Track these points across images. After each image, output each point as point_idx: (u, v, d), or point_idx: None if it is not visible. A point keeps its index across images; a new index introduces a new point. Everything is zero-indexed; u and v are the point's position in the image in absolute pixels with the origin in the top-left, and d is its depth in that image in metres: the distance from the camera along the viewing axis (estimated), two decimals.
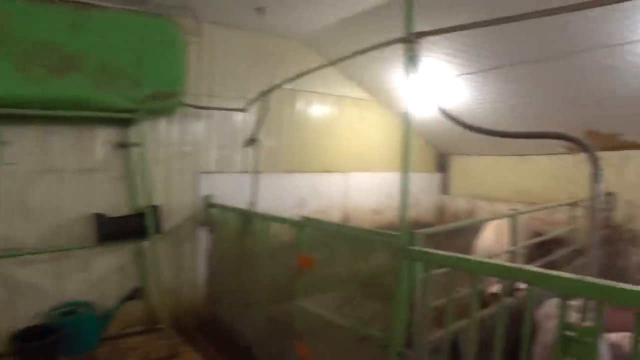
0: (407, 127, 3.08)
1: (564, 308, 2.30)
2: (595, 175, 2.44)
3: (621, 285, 2.07)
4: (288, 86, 6.71)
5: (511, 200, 8.27)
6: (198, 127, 6.26)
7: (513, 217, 4.35)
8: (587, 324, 2.32)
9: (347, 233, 3.82)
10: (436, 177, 9.31)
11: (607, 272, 7.07)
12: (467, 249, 6.91)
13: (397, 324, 3.17)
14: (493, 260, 2.59)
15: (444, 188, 9.36)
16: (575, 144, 2.65)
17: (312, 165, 7.59)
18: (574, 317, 2.45)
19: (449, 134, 8.31)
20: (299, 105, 7.44)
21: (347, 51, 4.01)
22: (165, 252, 5.87)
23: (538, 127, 7.05)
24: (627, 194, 6.88)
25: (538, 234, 6.73)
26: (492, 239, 6.26)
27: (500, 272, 2.55)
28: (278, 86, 5.41)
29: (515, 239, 4.42)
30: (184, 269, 6.17)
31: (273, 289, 4.73)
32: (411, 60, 3.07)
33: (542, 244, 6.48)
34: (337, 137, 7.82)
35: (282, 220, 4.56)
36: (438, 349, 3.34)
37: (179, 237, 6.06)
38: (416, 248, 3.01)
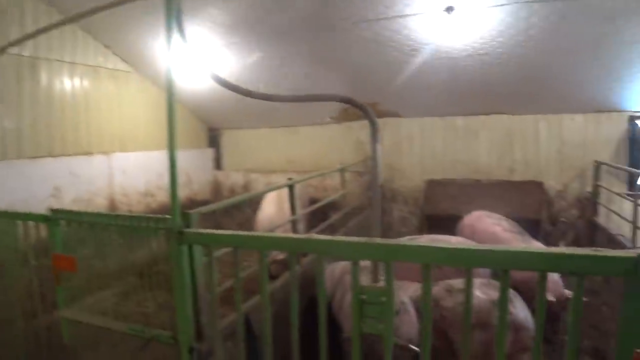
0: (171, 99, 2.60)
1: (355, 272, 2.17)
2: (374, 135, 2.35)
3: (404, 242, 2.03)
4: (25, 53, 5.49)
5: (285, 170, 8.40)
6: None
7: (290, 186, 4.25)
8: (379, 284, 2.24)
9: (110, 223, 3.18)
10: (208, 153, 8.94)
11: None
12: (249, 223, 6.76)
13: (183, 317, 2.73)
14: (279, 235, 2.34)
15: (218, 163, 9.04)
16: (353, 105, 2.54)
17: (66, 148, 6.42)
18: (364, 279, 2.37)
19: (219, 107, 7.97)
20: (44, 77, 6.15)
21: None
22: None
23: (301, 103, 7.19)
24: (386, 158, 7.55)
25: (314, 201, 6.93)
26: (272, 210, 6.19)
27: (289, 245, 2.31)
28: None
29: (294, 208, 4.34)
30: None
31: (30, 301, 3.77)
32: (173, 22, 2.57)
33: (318, 210, 6.70)
34: (95, 114, 6.77)
35: (25, 216, 3.62)
36: (232, 334, 3.03)
37: None
38: (192, 230, 2.59)
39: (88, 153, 6.59)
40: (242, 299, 2.69)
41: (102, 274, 3.38)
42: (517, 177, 6.98)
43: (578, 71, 5.73)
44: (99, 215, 3.33)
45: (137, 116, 7.31)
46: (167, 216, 2.69)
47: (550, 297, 4.11)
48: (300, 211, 5.63)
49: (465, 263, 1.96)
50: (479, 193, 6.92)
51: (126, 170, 7.11)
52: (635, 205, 5.01)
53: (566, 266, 1.83)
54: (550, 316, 3.91)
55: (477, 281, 3.87)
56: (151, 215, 2.94)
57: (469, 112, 7.07)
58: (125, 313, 3.22)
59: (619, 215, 5.74)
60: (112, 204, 6.95)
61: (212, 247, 2.54)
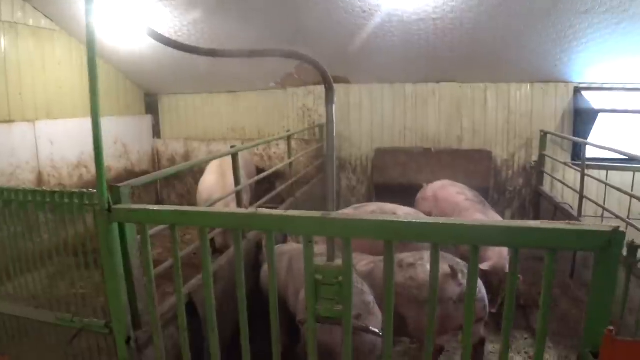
0: (93, 58, 2.22)
1: (309, 251, 1.94)
2: (329, 96, 2.09)
3: (364, 217, 1.82)
4: None
5: (228, 138, 8.03)
6: None
7: (233, 155, 3.93)
8: (336, 263, 2.03)
9: (27, 199, 2.78)
10: (146, 120, 8.36)
11: (323, 197, 7.53)
12: (191, 194, 6.38)
13: (116, 304, 2.43)
14: (221, 210, 2.06)
15: (156, 131, 8.49)
16: (305, 61, 2.25)
17: None
18: (319, 258, 2.14)
19: (156, 71, 7.42)
20: None
21: None
22: None
23: (246, 63, 6.80)
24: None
25: (260, 171, 6.65)
26: (213, 180, 5.84)
27: (233, 222, 2.04)
28: None
29: (238, 178, 4.04)
30: None
31: None
32: None
33: (264, 180, 6.42)
34: (15, 77, 6.04)
35: None
36: (173, 319, 2.76)
37: None
38: (122, 207, 2.26)
39: (8, 121, 5.92)
40: (185, 278, 2.42)
41: (29, 255, 3.00)
42: (465, 146, 6.96)
43: (528, 39, 5.67)
44: (16, 190, 2.91)
45: (64, 80, 6.63)
46: (93, 191, 2.35)
47: (484, 267, 4.09)
48: (245, 181, 5.35)
49: (433, 238, 1.77)
50: (428, 161, 6.85)
51: (55, 140, 6.48)
52: (582, 175, 5.05)
53: (539, 241, 1.68)
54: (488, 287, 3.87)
55: (425, 254, 3.75)
56: (75, 190, 2.57)
57: (420, 80, 6.92)
58: (57, 297, 2.87)
59: (566, 185, 5.81)
60: (40, 178, 6.33)
61: (145, 225, 2.23)
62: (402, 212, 4.33)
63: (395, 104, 7.12)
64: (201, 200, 5.71)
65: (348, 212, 4.51)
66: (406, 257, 3.80)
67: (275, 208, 5.55)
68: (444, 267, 3.67)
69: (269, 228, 1.96)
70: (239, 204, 4.17)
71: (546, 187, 6.56)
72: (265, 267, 3.85)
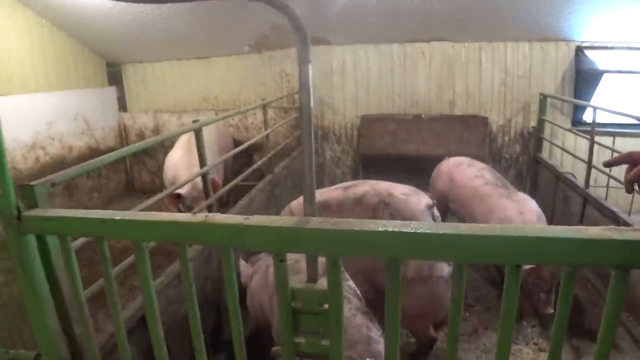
0: None
1: (281, 271, 1.42)
2: (303, 53, 1.51)
3: (361, 226, 1.27)
4: None
5: (201, 109, 7.39)
6: None
7: (196, 130, 3.35)
8: (320, 284, 1.50)
9: None
10: (109, 93, 7.62)
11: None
12: (162, 171, 5.77)
13: (42, 330, 1.88)
14: (161, 217, 1.48)
15: (122, 104, 7.78)
16: (282, 12, 1.66)
17: None
18: (298, 278, 1.61)
19: (116, 36, 6.68)
20: None
21: None
22: None
23: (217, 24, 6.13)
24: (315, 92, 6.71)
25: (238, 143, 6.05)
26: (180, 157, 5.25)
27: (176, 234, 1.49)
28: None
29: (203, 157, 3.47)
30: None
31: None
32: None
33: (242, 153, 5.85)
34: None
35: None
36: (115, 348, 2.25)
37: None
38: (36, 213, 1.70)
39: None
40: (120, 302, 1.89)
41: None
42: (458, 111, 6.42)
43: None
44: None
45: (8, 50, 5.85)
46: None
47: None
48: (217, 158, 4.77)
49: (459, 256, 1.26)
50: (419, 129, 6.31)
51: (3, 118, 5.74)
52: (592, 142, 4.56)
53: (612, 257, 1.17)
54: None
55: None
56: None
57: (407, 39, 6.30)
58: None
59: (572, 154, 5.30)
60: None
61: (66, 237, 1.67)
62: (399, 193, 3.80)
63: (382, 66, 6.51)
64: (166, 179, 5.14)
65: (336, 193, 3.97)
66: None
67: (253, 186, 5.04)
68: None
69: (224, 243, 1.42)
70: (205, 189, 3.60)
71: (545, 155, 6.10)
72: (252, 284, 3.30)
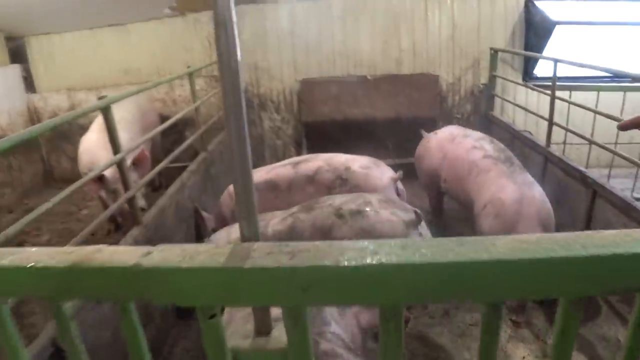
0: None
1: (211, 330, 0.89)
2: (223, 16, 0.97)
3: (327, 258, 0.75)
4: None
5: (121, 83, 6.56)
6: None
7: (104, 109, 2.71)
8: (274, 337, 1.00)
9: None
10: (12, 72, 6.61)
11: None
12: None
13: None
14: (28, 266, 0.88)
15: (29, 84, 6.80)
16: None
17: None
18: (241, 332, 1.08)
19: (14, 1, 5.71)
20: None
21: None
22: None
23: None
24: (248, 56, 6.07)
25: (165, 119, 5.35)
26: (95, 139, 4.55)
27: (46, 287, 0.91)
28: None
29: (115, 141, 2.85)
30: None
31: None
32: None
33: (172, 130, 5.32)
34: None
35: None
36: None
37: None
38: None
39: None
40: None
41: None
42: (405, 70, 5.98)
43: None
44: None
45: None
46: None
47: None
48: (141, 139, 4.10)
49: (496, 294, 0.78)
50: (365, 92, 5.83)
51: None
52: (553, 97, 4.24)
53: None
54: None
55: (373, 199, 2.91)
56: None
57: None
58: None
59: (528, 110, 4.99)
60: None
61: None
62: (358, 167, 3.34)
63: (321, 23, 5.91)
64: (82, 165, 4.45)
65: (284, 171, 3.46)
66: (346, 202, 2.89)
67: (185, 167, 4.43)
68: (401, 214, 2.86)
69: (112, 297, 0.86)
70: (123, 178, 2.98)
71: (497, 113, 5.81)
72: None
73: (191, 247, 0.85)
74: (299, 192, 3.45)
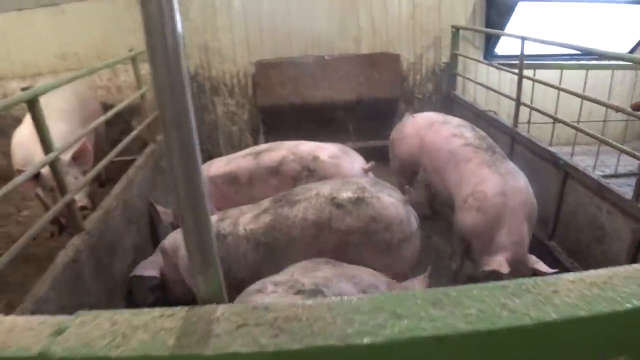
0: None
1: None
2: None
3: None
4: None
5: (59, 70, 6.03)
6: None
7: (30, 102, 2.32)
8: None
9: None
10: None
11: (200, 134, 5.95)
12: None
13: None
14: None
15: None
16: None
17: None
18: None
19: None
20: None
21: None
22: None
23: None
24: (197, 36, 5.67)
25: (108, 107, 4.91)
26: (28, 133, 4.09)
27: None
28: None
29: (46, 138, 2.48)
30: None
31: None
32: None
33: (119, 120, 5.12)
34: None
35: None
36: None
37: None
38: None
39: None
40: None
41: None
42: (365, 49, 5.72)
43: None
44: None
45: None
46: None
47: (492, 267, 2.81)
48: (80, 131, 3.69)
49: None
50: (323, 73, 5.52)
51: None
52: (520, 76, 4.09)
53: None
54: None
55: (364, 182, 2.76)
56: None
57: None
58: None
59: (499, 92, 4.82)
60: None
61: None
62: (326, 156, 3.10)
63: (275, 1, 5.57)
64: (15, 161, 4.00)
65: (245, 162, 3.21)
66: (333, 190, 2.66)
67: (134, 160, 4.05)
68: (396, 195, 2.76)
69: None
70: (58, 181, 2.61)
71: (459, 92, 5.66)
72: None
73: (125, 317, 0.58)
74: (261, 185, 3.19)
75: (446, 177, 3.45)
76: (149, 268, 2.84)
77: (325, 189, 2.69)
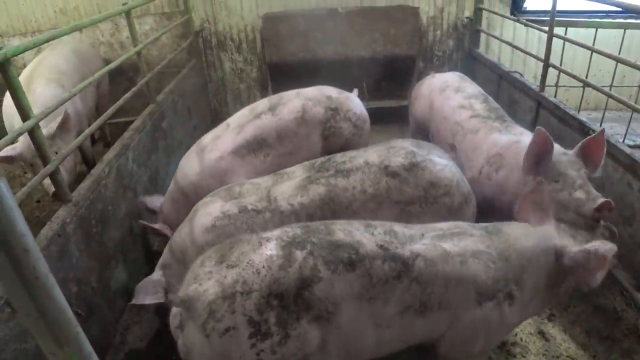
0: None
1: None
2: None
3: None
4: None
5: (60, 25, 5.75)
6: None
7: (3, 62, 2.08)
8: None
9: None
10: None
11: (201, 91, 5.73)
12: None
13: None
14: None
15: None
16: None
17: None
18: None
19: None
20: None
21: None
22: None
23: None
24: None
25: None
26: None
27: None
28: None
29: (24, 109, 2.25)
30: None
31: None
32: None
33: (121, 75, 5.03)
34: None
35: None
36: None
37: None
38: None
39: None
40: None
41: None
42: (381, 2, 5.31)
43: None
44: None
45: None
46: None
47: None
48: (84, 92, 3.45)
49: None
50: (336, 27, 5.17)
51: None
52: (550, 35, 3.71)
53: None
54: None
55: (408, 145, 2.60)
56: None
57: None
58: None
59: (526, 52, 4.43)
60: None
61: None
62: (335, 93, 3.35)
63: None
64: (7, 128, 3.78)
65: (264, 122, 3.14)
66: (380, 156, 2.51)
67: (132, 121, 3.82)
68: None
69: None
70: (40, 152, 2.40)
71: (482, 50, 5.27)
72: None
73: None
74: (290, 138, 3.09)
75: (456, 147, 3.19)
76: (150, 293, 2.38)
77: (372, 156, 2.48)
